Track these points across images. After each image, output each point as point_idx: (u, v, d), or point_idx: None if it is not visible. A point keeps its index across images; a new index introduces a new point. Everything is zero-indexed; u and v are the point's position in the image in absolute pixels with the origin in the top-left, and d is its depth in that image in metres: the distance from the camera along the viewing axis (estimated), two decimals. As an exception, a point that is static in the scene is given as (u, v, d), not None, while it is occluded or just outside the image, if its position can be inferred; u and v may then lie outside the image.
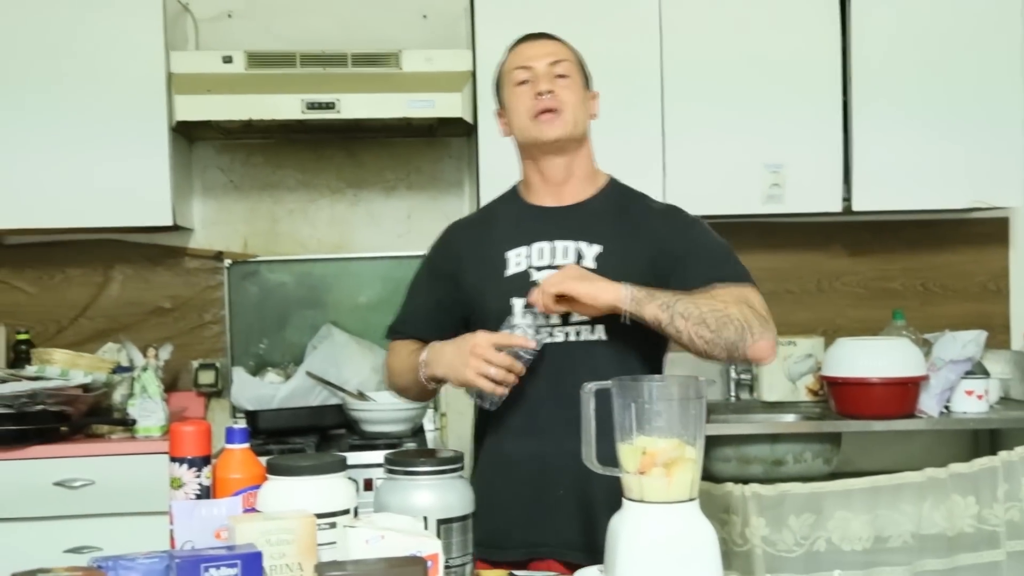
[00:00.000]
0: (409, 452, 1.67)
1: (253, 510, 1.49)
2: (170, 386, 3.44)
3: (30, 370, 3.19)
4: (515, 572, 1.75)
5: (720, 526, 2.49)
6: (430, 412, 3.43)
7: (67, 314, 3.63)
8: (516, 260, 1.93)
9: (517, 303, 1.86)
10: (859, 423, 3.18)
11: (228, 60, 3.24)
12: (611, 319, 1.80)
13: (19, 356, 3.44)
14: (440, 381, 1.91)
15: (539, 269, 1.91)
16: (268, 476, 1.51)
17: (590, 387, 1.55)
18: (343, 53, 3.30)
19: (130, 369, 3.29)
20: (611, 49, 3.32)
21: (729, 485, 2.57)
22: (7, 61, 3.23)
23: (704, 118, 3.37)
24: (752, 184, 3.39)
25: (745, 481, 2.59)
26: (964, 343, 3.17)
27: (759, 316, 1.81)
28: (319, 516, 1.41)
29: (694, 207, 3.36)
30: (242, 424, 3.12)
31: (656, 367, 1.95)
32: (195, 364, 3.55)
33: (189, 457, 1.51)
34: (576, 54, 2.00)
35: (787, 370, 3.48)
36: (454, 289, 2.00)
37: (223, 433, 1.56)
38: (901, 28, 3.43)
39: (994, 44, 3.43)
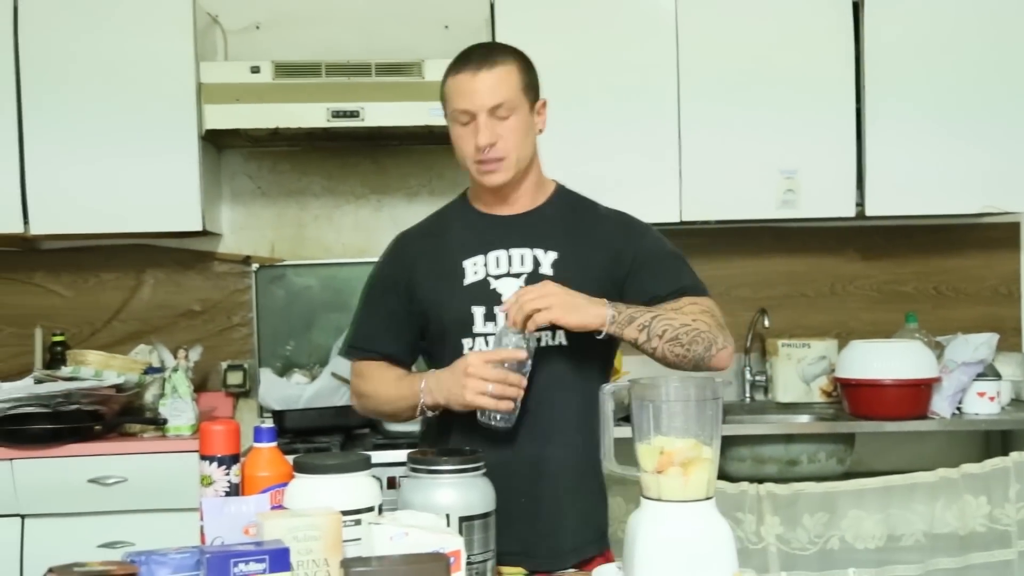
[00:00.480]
0: (431, 451, 1.71)
1: (280, 507, 1.50)
2: (200, 386, 3.49)
3: (65, 371, 3.22)
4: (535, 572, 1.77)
5: (735, 524, 2.52)
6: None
7: (101, 317, 3.67)
8: (473, 269, 1.92)
9: (502, 316, 1.83)
10: (872, 424, 3.19)
11: (256, 70, 3.28)
12: None
13: (55, 357, 3.48)
14: (441, 407, 1.86)
15: (496, 277, 1.90)
16: (295, 474, 1.53)
17: (608, 388, 1.58)
18: (367, 63, 3.33)
19: (161, 370, 3.32)
20: (628, 57, 3.37)
21: (744, 484, 2.59)
22: (45, 74, 3.28)
23: (719, 125, 3.38)
24: (767, 189, 3.40)
25: (760, 481, 2.60)
26: (976, 346, 3.19)
27: (721, 327, 1.86)
28: (344, 513, 1.42)
29: (710, 212, 3.46)
30: (269, 423, 3.13)
31: (608, 368, 1.98)
32: (224, 365, 3.59)
33: (219, 455, 1.53)
34: (520, 74, 1.88)
35: (801, 372, 3.50)
36: (409, 300, 1.97)
37: (251, 432, 1.58)
38: (913, 35, 3.43)
39: (1005, 50, 3.44)
